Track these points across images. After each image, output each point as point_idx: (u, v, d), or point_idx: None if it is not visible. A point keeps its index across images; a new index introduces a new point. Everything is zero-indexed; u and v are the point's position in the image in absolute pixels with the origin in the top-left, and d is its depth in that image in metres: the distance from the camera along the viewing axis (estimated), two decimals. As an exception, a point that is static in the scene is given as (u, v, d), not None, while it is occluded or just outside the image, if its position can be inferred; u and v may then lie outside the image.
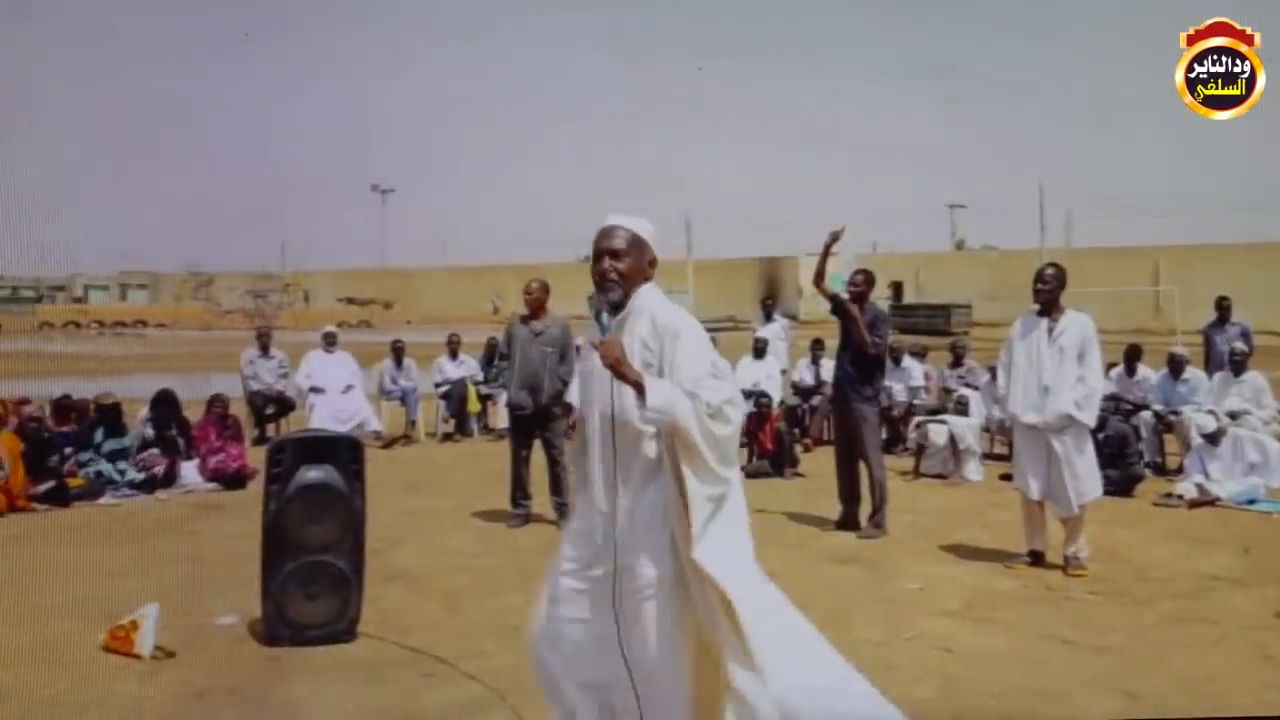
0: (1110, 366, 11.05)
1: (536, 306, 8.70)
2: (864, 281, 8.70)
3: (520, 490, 8.83)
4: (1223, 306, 12.70)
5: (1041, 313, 7.26)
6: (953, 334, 26.97)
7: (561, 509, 8.42)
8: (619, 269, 3.46)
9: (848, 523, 8.54)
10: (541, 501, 8.77)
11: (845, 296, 8.70)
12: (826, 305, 8.84)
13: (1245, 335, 12.30)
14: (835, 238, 8.40)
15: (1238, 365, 11.40)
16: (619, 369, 3.27)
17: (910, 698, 4.97)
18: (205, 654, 5.37)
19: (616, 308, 3.45)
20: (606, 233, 3.49)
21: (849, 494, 8.60)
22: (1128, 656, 5.56)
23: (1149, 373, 11.94)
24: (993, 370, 11.54)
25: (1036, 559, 7.38)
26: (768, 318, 15.15)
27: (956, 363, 13.18)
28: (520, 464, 8.76)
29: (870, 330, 8.43)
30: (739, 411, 3.34)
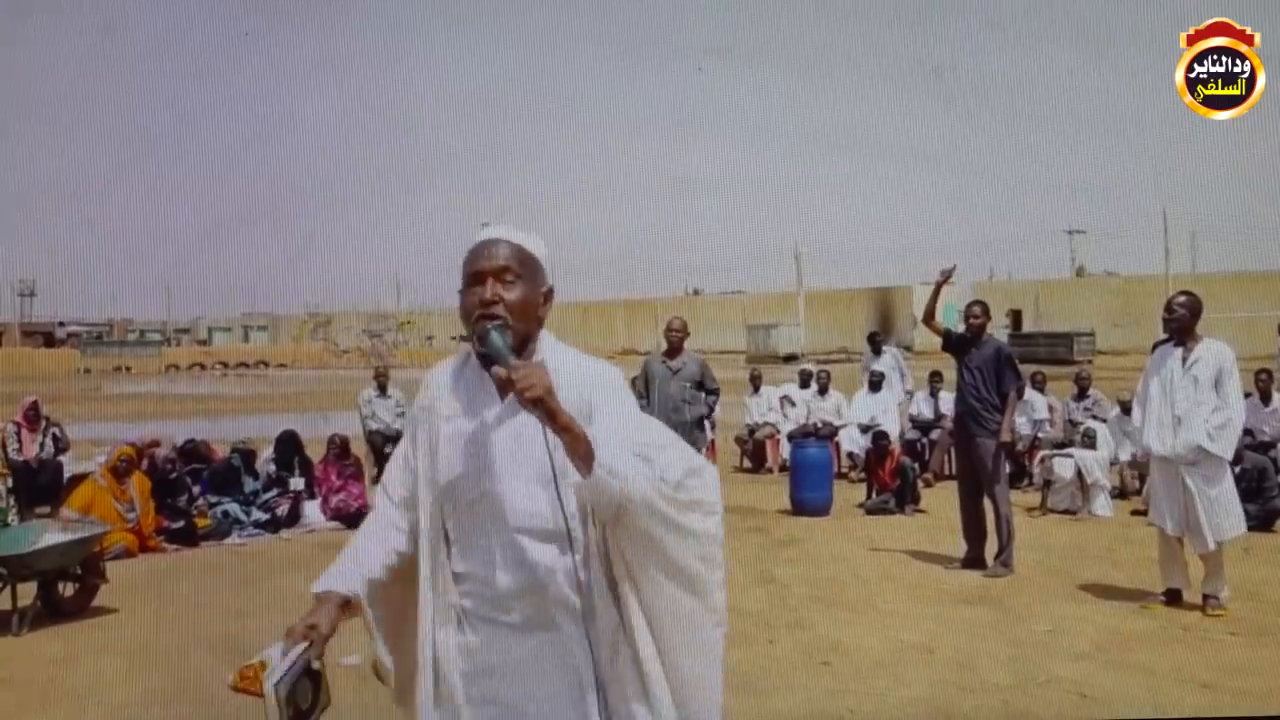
0: (1244, 396, 10.66)
1: (679, 344, 8.91)
2: (981, 314, 8.52)
3: None
4: None
5: (1176, 342, 7.04)
6: (1075, 363, 26.32)
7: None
8: (507, 300, 2.29)
9: (973, 561, 8.33)
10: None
11: (960, 330, 8.55)
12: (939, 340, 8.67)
13: None
14: (947, 276, 8.24)
15: None
16: (551, 405, 2.11)
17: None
18: (331, 694, 5.41)
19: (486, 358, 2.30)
20: (488, 248, 2.33)
21: (974, 531, 8.40)
22: (1272, 701, 5.32)
23: (1287, 401, 11.46)
24: (1122, 403, 11.25)
25: (1173, 598, 7.11)
26: (876, 352, 14.94)
27: (1081, 395, 12.85)
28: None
29: (999, 369, 8.26)
30: (714, 492, 2.36)
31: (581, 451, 2.13)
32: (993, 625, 6.82)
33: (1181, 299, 7.11)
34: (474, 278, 2.33)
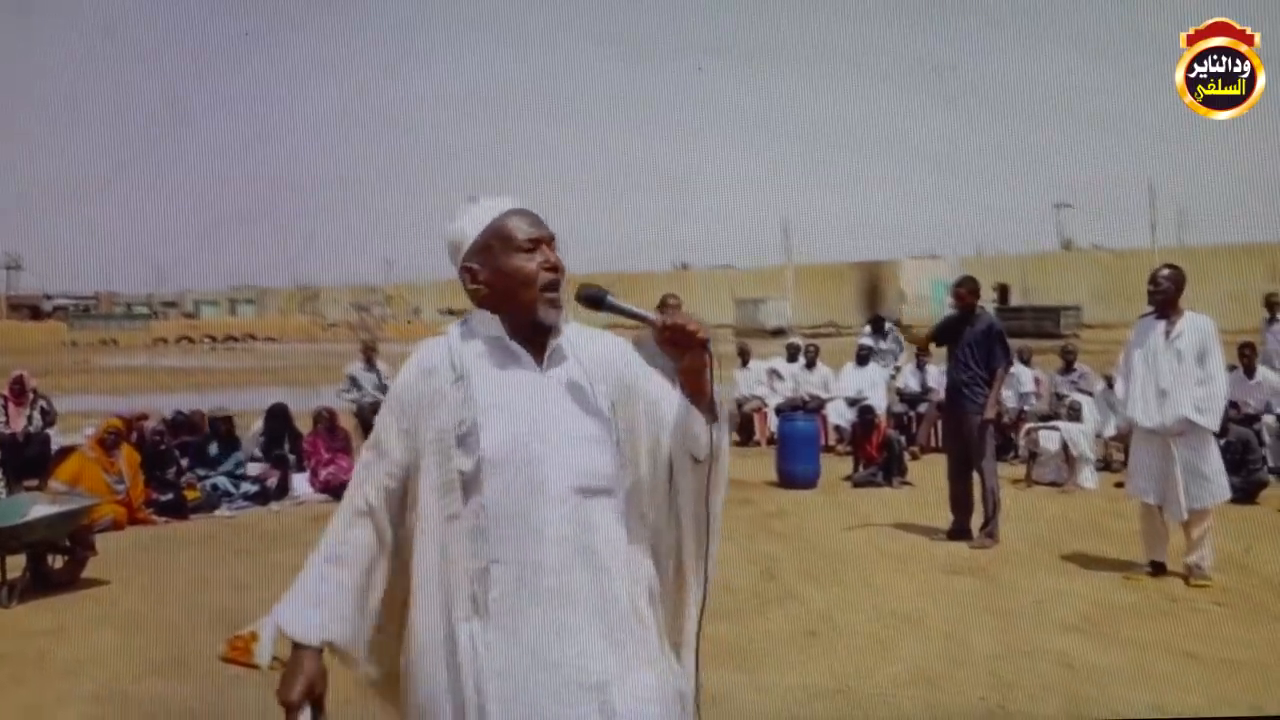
0: (1229, 369, 10.73)
1: None
2: (968, 294, 8.55)
3: None
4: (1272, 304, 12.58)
5: (1159, 315, 7.08)
6: (1062, 336, 26.45)
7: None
8: (561, 267, 2.34)
9: (960, 533, 8.38)
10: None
11: (950, 310, 8.60)
12: (926, 309, 8.72)
13: None
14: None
15: None
16: (705, 365, 2.25)
17: (1029, 714, 4.87)
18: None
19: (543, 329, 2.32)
20: (533, 216, 2.35)
21: (962, 503, 8.45)
22: (1259, 672, 5.37)
23: (1269, 375, 11.55)
24: (1108, 378, 11.31)
25: (1158, 570, 7.17)
26: (878, 332, 15.01)
27: (1068, 368, 12.91)
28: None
29: (989, 344, 8.30)
30: None
31: (709, 401, 2.26)
32: (980, 597, 6.87)
33: (1166, 272, 7.14)
34: (532, 243, 2.30)
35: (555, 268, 2.30)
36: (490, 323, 2.32)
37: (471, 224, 2.34)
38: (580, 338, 2.36)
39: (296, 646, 2.25)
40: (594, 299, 2.31)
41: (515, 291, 2.29)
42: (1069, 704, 4.99)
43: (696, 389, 2.26)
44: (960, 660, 5.61)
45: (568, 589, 2.20)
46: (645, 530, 2.35)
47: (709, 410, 2.27)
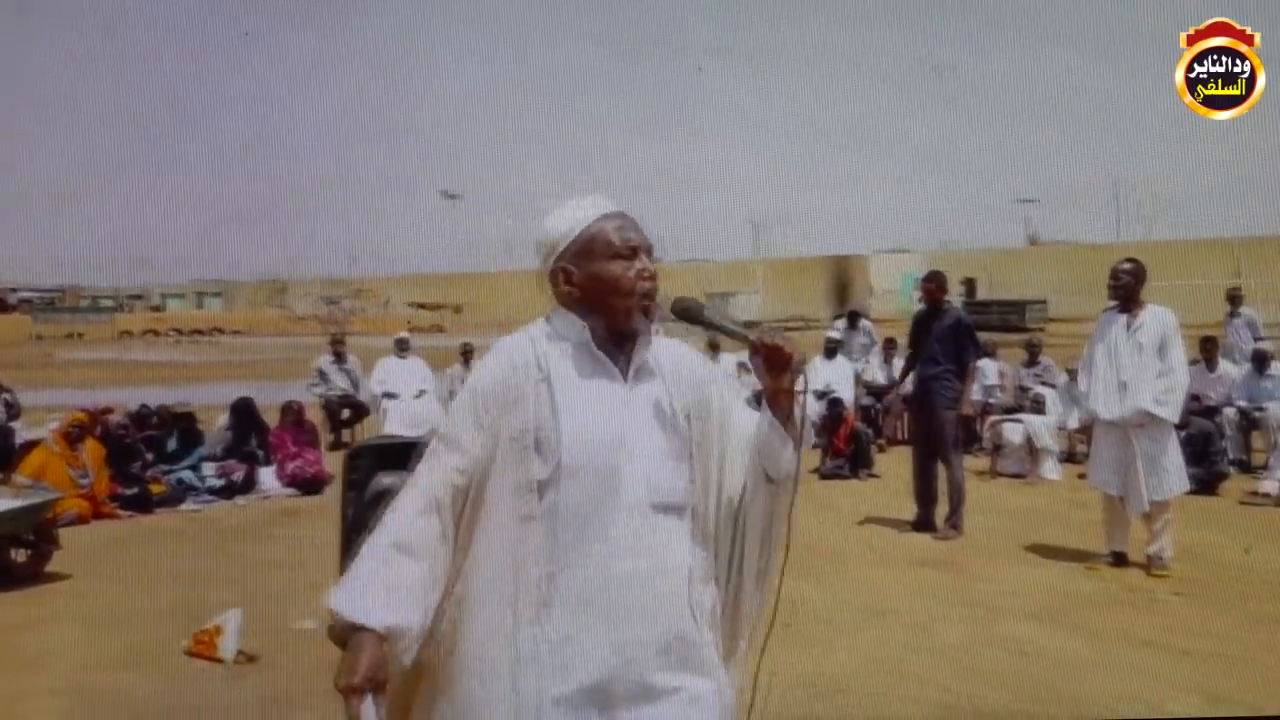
0: (1191, 363, 10.84)
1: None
2: (936, 288, 8.61)
3: None
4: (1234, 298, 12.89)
5: (1121, 309, 7.16)
6: (1028, 330, 26.60)
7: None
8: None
9: (924, 524, 8.44)
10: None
11: (919, 304, 8.65)
12: (894, 303, 8.79)
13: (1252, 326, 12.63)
14: None
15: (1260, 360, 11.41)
16: (795, 387, 2.26)
17: (991, 702, 4.93)
18: (286, 658, 5.43)
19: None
20: (631, 221, 2.30)
21: (927, 495, 8.51)
22: (1215, 660, 5.45)
23: (1230, 368, 11.69)
24: (1071, 371, 11.41)
25: (1119, 560, 7.25)
26: (853, 326, 15.08)
27: (1032, 361, 13.00)
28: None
29: (958, 339, 8.36)
30: None
31: (794, 422, 2.25)
32: (944, 586, 6.94)
33: (1126, 266, 7.22)
34: (630, 249, 2.24)
35: (653, 276, 2.25)
36: (576, 326, 2.26)
37: (566, 225, 2.29)
38: (662, 350, 2.33)
39: (354, 630, 2.08)
40: (690, 313, 2.29)
41: (609, 298, 2.24)
42: (1026, 690, 5.05)
43: (783, 409, 2.24)
44: (922, 648, 5.66)
45: (625, 599, 2.17)
46: (710, 548, 2.33)
47: (793, 431, 2.25)
